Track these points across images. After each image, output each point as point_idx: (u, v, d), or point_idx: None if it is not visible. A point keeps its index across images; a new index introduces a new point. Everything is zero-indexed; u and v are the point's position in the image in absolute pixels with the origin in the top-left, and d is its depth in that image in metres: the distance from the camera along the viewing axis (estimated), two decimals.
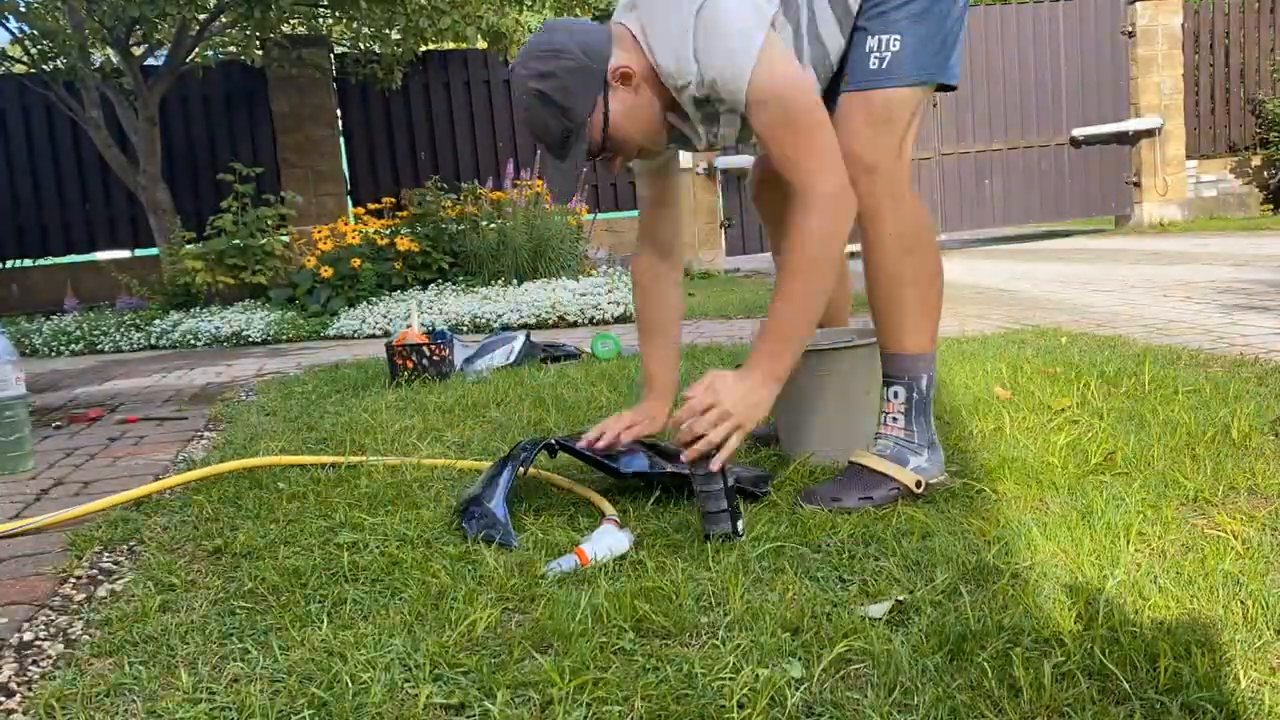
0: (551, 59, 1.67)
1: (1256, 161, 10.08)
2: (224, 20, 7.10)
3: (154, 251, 7.56)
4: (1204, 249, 7.01)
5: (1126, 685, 1.08)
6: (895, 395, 1.82)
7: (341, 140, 8.50)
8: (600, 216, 8.72)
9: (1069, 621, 1.21)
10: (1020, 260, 7.50)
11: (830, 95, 1.82)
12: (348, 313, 6.01)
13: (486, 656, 1.23)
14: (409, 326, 3.58)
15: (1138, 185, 9.66)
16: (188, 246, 6.69)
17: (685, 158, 8.69)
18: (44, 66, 6.89)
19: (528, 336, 3.84)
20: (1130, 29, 9.45)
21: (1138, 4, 9.37)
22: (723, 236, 8.98)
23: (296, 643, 1.31)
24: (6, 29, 6.76)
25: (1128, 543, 1.47)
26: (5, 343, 2.47)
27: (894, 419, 1.82)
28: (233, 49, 8.07)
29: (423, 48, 7.91)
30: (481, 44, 7.79)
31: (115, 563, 1.73)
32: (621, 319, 5.47)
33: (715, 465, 1.59)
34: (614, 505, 1.77)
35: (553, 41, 1.69)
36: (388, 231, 6.80)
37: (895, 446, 1.79)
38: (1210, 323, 3.64)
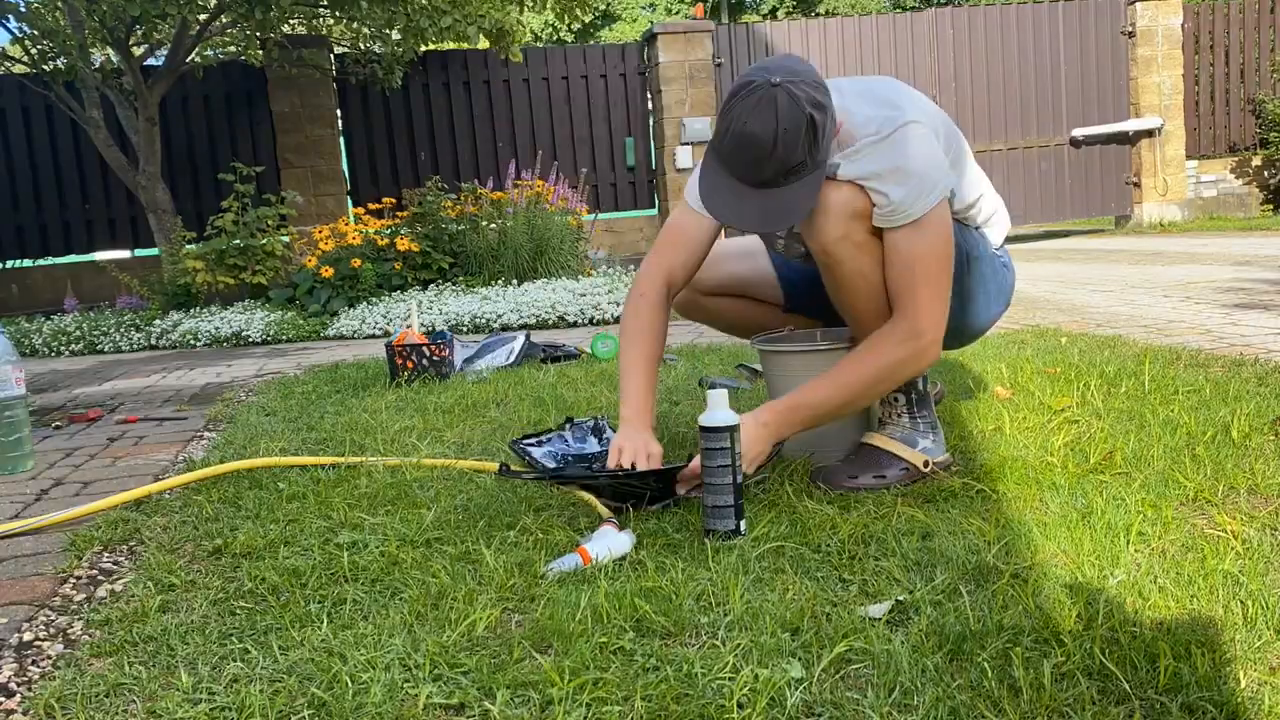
0: (827, 100, 1.66)
1: (1256, 161, 10.08)
2: (224, 20, 7.10)
3: (154, 251, 7.56)
4: (1204, 249, 7.01)
5: (1126, 685, 1.08)
6: (895, 400, 1.94)
7: (341, 140, 8.50)
8: (600, 217, 8.72)
9: (1069, 621, 1.21)
10: (1020, 260, 7.50)
11: None
12: (348, 313, 6.00)
13: (486, 656, 1.23)
14: (409, 326, 3.58)
15: (1138, 185, 9.66)
16: (188, 246, 6.69)
17: (685, 158, 8.70)
18: (44, 66, 6.88)
19: (527, 337, 3.84)
20: (1130, 29, 9.45)
21: (1138, 4, 9.37)
22: (723, 236, 8.97)
23: (296, 643, 1.31)
24: (6, 29, 6.76)
25: (1128, 543, 1.47)
26: (5, 343, 2.47)
27: (898, 415, 1.94)
28: (233, 49, 8.07)
29: (423, 47, 7.90)
30: (482, 44, 7.79)
31: (115, 563, 1.73)
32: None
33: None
34: (612, 511, 1.77)
35: (828, 89, 1.68)
36: (388, 231, 6.79)
37: (903, 431, 1.91)
38: (1210, 323, 3.64)
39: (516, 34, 7.38)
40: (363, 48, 8.15)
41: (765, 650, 1.19)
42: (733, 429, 1.60)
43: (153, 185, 6.97)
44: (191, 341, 5.84)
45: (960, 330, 1.99)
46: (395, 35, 7.50)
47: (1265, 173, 10.07)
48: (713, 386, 2.05)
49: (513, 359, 3.67)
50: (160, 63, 7.22)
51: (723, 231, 2.02)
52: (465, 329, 5.51)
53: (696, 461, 1.67)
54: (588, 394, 2.92)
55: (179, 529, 1.88)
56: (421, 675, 1.18)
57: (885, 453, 1.88)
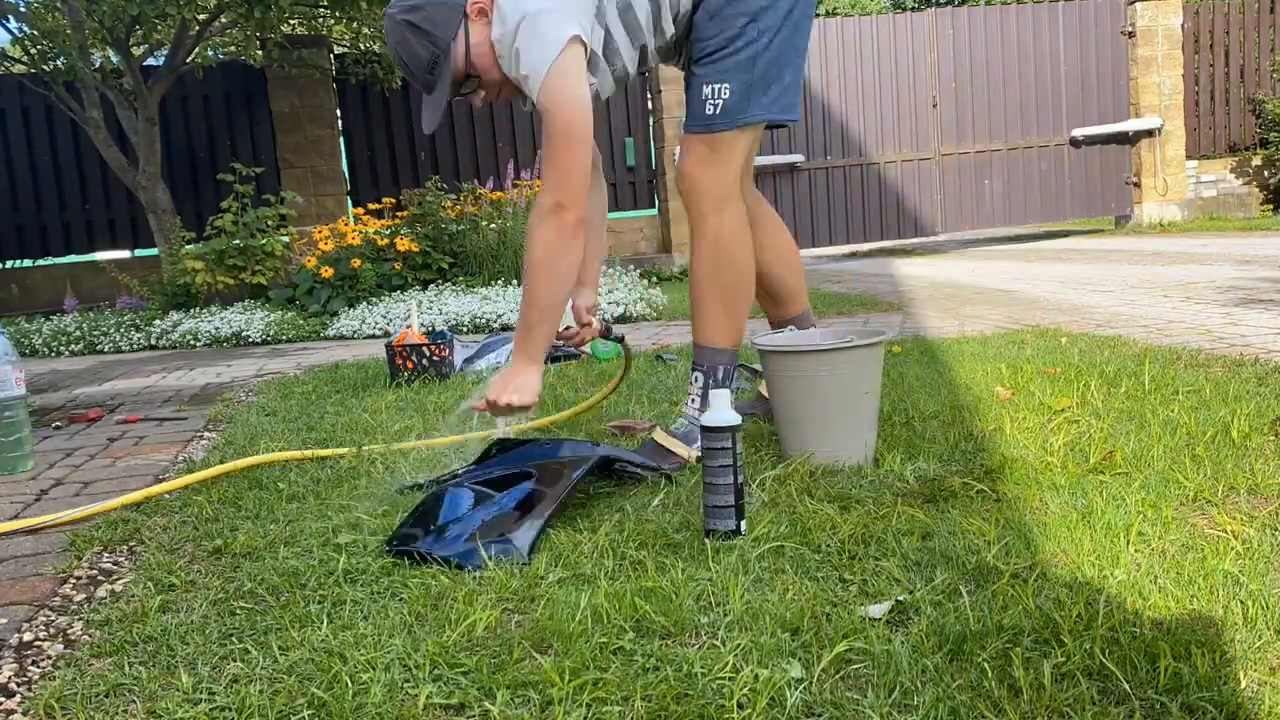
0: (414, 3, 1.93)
1: (1256, 161, 10.08)
2: (224, 20, 7.10)
3: (154, 251, 7.56)
4: (1204, 249, 7.01)
5: (1126, 685, 1.08)
6: (695, 380, 2.13)
7: (341, 140, 8.50)
8: None
9: (1069, 622, 1.21)
10: (1020, 260, 7.50)
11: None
12: (348, 313, 6.01)
13: (486, 656, 1.23)
14: (409, 327, 3.58)
15: (1137, 185, 9.66)
16: (188, 247, 6.69)
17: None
18: (44, 66, 6.89)
19: None
20: (1130, 29, 9.45)
21: (1138, 4, 9.37)
22: None
23: (296, 643, 1.31)
24: (6, 29, 6.76)
25: (1128, 543, 1.47)
26: (5, 343, 2.47)
27: (692, 400, 2.14)
28: (232, 49, 8.07)
29: None
30: None
31: (115, 563, 1.73)
32: (621, 319, 5.47)
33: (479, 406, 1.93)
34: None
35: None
36: (388, 232, 6.80)
37: (688, 426, 2.11)
38: (1210, 323, 3.64)
39: None
40: (362, 48, 8.15)
41: (765, 650, 1.19)
42: (735, 428, 1.61)
43: (152, 185, 6.97)
44: (191, 342, 5.84)
45: None
46: None
47: (1265, 173, 10.07)
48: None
49: None
50: (160, 63, 7.22)
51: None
52: (465, 329, 5.51)
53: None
54: (588, 393, 2.92)
55: (179, 529, 1.88)
56: (421, 675, 1.18)
57: (663, 448, 2.08)
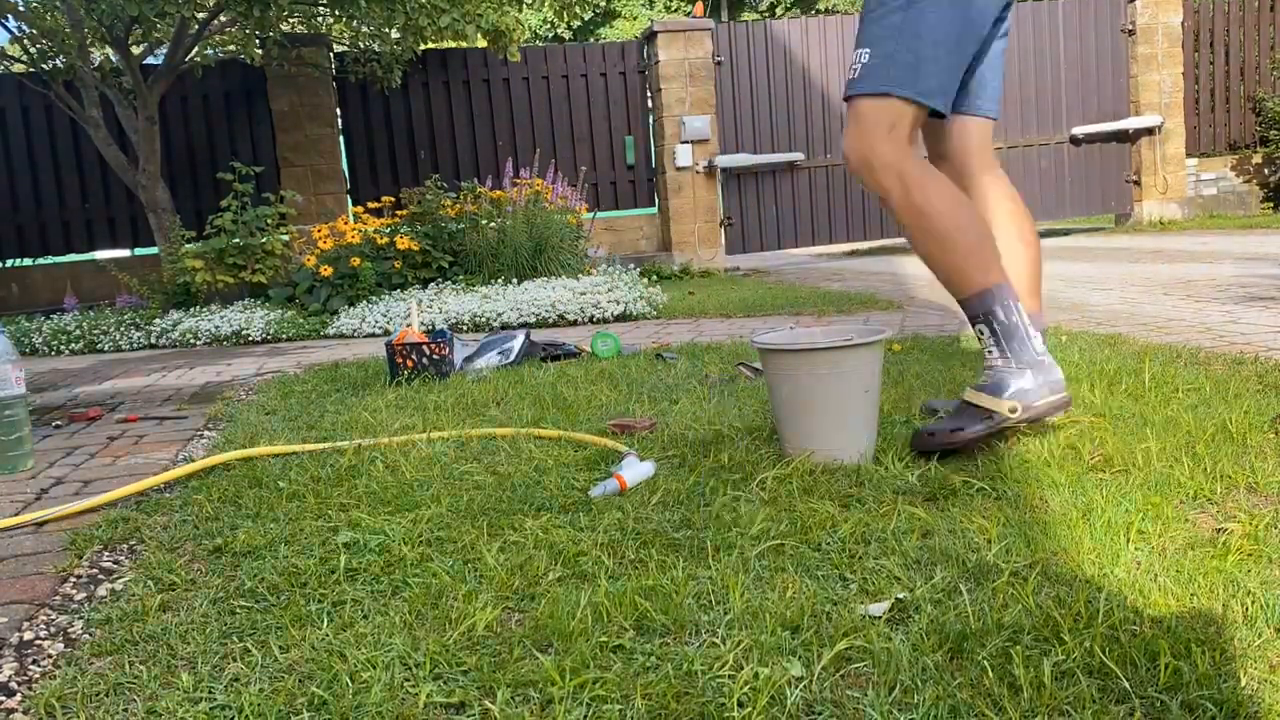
0: None
1: (1257, 159, 10.08)
2: (223, 19, 7.10)
3: (154, 251, 7.56)
4: (1204, 247, 7.01)
5: (1126, 683, 1.08)
6: (982, 334, 1.98)
7: (341, 139, 8.50)
8: (600, 215, 8.72)
9: (1069, 619, 1.21)
10: None
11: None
12: (348, 312, 6.01)
13: (486, 656, 1.23)
14: (409, 325, 3.58)
15: (1138, 183, 9.66)
16: (187, 245, 6.69)
17: (684, 157, 8.70)
18: (43, 65, 6.88)
19: (527, 335, 3.84)
20: (1130, 27, 9.44)
21: (1138, 2, 9.37)
22: (722, 235, 8.99)
23: (296, 642, 1.31)
24: (6, 28, 6.75)
25: (1128, 541, 1.47)
26: (5, 342, 2.47)
27: (989, 351, 1.98)
28: (232, 48, 8.06)
29: (422, 46, 7.90)
30: (481, 42, 7.78)
31: (115, 562, 1.73)
32: (621, 318, 5.47)
33: None
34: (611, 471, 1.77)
35: None
36: (387, 230, 6.79)
37: (994, 375, 1.95)
38: (1210, 321, 3.64)
39: (515, 34, 7.38)
40: (362, 46, 8.15)
41: (765, 649, 1.19)
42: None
43: (152, 184, 6.97)
44: (191, 340, 5.84)
45: None
46: (394, 34, 7.50)
47: (1265, 170, 10.07)
48: (713, 385, 2.13)
49: (513, 358, 3.67)
50: (159, 62, 7.21)
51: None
52: (465, 327, 5.51)
53: None
54: (587, 392, 2.92)
55: (179, 528, 1.88)
56: (421, 674, 1.18)
57: (975, 407, 1.93)
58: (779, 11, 25.37)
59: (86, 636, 1.40)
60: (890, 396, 2.51)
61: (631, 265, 7.81)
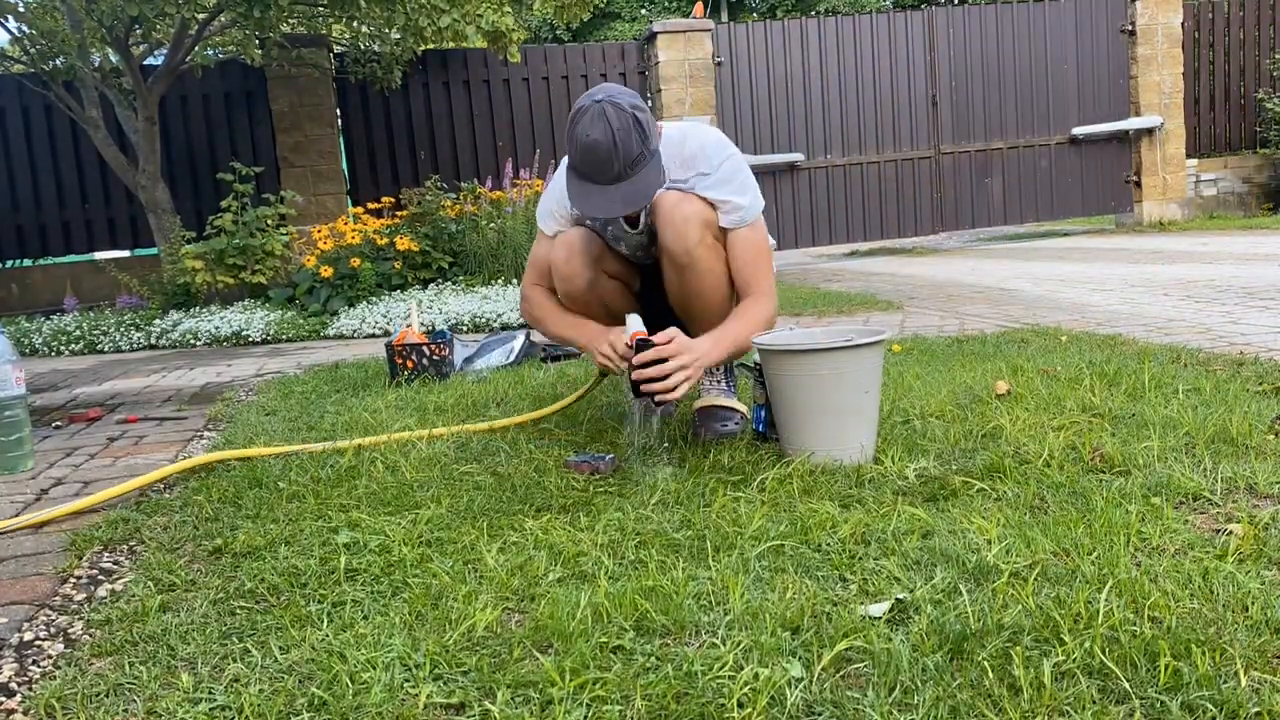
0: (643, 104, 2.06)
1: (1257, 160, 10.08)
2: (223, 20, 7.09)
3: (154, 251, 7.55)
4: (1204, 248, 7.01)
5: (1126, 684, 1.08)
6: (715, 371, 2.37)
7: (341, 139, 8.49)
8: None
9: (1069, 620, 1.21)
10: (1020, 259, 7.50)
11: None
12: (348, 312, 6.00)
13: (486, 656, 1.23)
14: (409, 326, 3.58)
15: (1138, 184, 9.65)
16: (187, 246, 6.69)
17: None
18: (43, 66, 6.88)
19: (527, 336, 3.84)
20: (1130, 27, 9.44)
21: (1138, 3, 9.37)
22: None
23: (296, 643, 1.31)
24: (5, 29, 6.75)
25: (1127, 541, 1.47)
26: (5, 343, 2.47)
27: (716, 382, 2.41)
28: (232, 48, 8.05)
29: (422, 47, 7.90)
30: (480, 43, 7.78)
31: (115, 562, 1.73)
32: None
33: (671, 396, 1.98)
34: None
35: (641, 101, 2.10)
36: (387, 231, 6.79)
37: (726, 392, 2.37)
38: (1210, 321, 3.64)
39: (514, 35, 7.38)
40: (362, 47, 8.14)
41: (765, 649, 1.19)
42: None
43: (152, 185, 6.96)
44: (191, 341, 5.84)
45: None
46: (394, 35, 7.50)
47: (1265, 171, 10.07)
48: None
49: (513, 358, 3.67)
50: (159, 62, 7.21)
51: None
52: (465, 328, 5.51)
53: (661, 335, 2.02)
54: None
55: (179, 529, 1.88)
56: (421, 675, 1.18)
57: (723, 407, 2.34)
58: (779, 13, 25.38)
59: (86, 637, 1.40)
60: (890, 397, 2.51)
61: None
